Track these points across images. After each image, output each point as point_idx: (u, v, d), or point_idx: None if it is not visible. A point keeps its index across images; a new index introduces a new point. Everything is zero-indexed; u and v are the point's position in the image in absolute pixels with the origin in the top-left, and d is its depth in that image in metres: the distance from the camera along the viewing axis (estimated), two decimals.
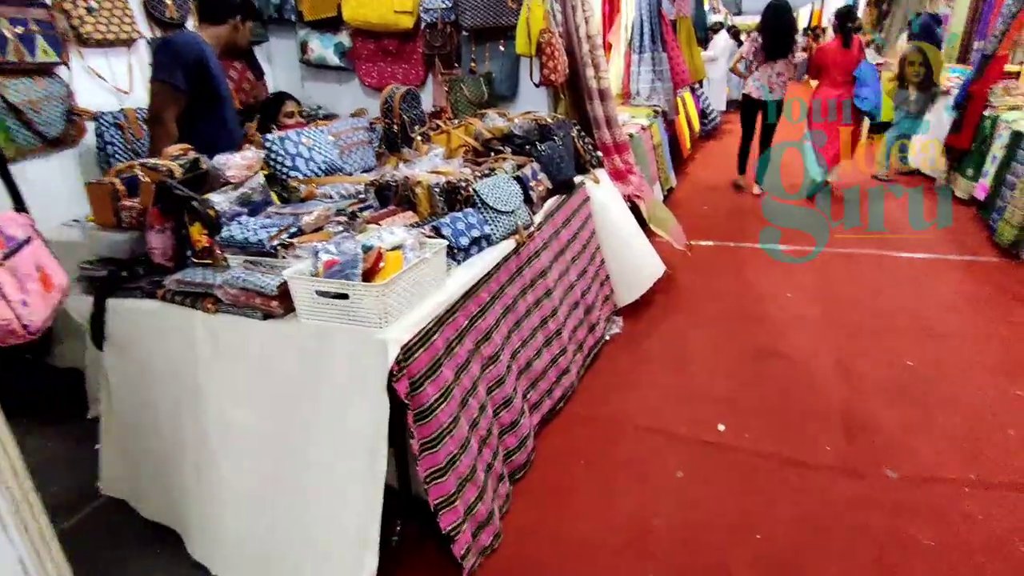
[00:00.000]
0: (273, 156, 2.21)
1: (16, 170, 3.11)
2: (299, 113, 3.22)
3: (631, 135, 4.97)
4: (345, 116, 3.25)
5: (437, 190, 2.40)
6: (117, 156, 3.37)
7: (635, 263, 3.70)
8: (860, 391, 2.85)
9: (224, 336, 1.80)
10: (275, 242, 1.77)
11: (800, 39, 7.39)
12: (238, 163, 2.05)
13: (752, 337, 3.41)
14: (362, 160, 2.67)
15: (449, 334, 1.93)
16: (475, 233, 2.21)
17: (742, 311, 3.74)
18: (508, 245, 2.41)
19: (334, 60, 4.36)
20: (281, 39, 4.60)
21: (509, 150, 2.97)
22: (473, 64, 4.03)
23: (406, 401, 1.67)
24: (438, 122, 3.26)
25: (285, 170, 2.23)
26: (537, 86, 3.73)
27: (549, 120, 3.30)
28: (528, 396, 2.53)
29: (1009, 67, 5.75)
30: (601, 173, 3.73)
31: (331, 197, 2.22)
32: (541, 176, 2.81)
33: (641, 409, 2.79)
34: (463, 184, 2.39)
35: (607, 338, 3.38)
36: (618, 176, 4.06)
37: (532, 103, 4.01)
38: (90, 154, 3.41)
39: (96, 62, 3.49)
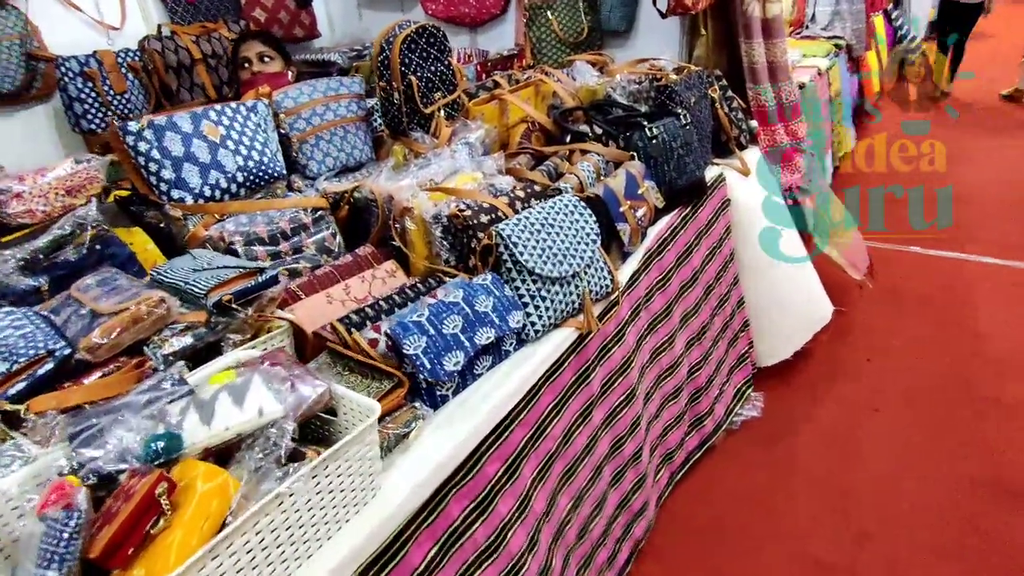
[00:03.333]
0: (142, 162, 1.22)
1: None
2: (261, 59, 2.10)
3: (801, 86, 3.45)
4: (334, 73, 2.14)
5: (437, 229, 1.30)
6: (89, 116, 2.57)
7: (793, 301, 2.39)
8: None
9: None
10: None
11: None
12: (43, 185, 1.08)
13: (988, 445, 2.04)
14: (346, 151, 1.61)
15: None
16: (485, 337, 1.10)
17: (964, 383, 2.33)
18: (561, 339, 1.28)
19: None
20: None
21: (599, 131, 1.76)
22: None
23: None
24: (497, 78, 2.09)
25: (164, 187, 1.24)
26: (664, 15, 2.41)
27: (673, 75, 2.01)
28: None
29: None
30: (753, 156, 2.40)
31: (230, 244, 1.19)
32: (647, 186, 1.59)
33: None
34: (480, 220, 1.27)
35: (733, 426, 2.18)
36: (782, 157, 2.67)
37: (656, 42, 2.68)
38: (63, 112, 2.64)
39: None
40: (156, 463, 0.72)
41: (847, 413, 2.25)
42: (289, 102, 1.51)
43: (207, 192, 1.27)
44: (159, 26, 2.77)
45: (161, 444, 0.72)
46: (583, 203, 1.37)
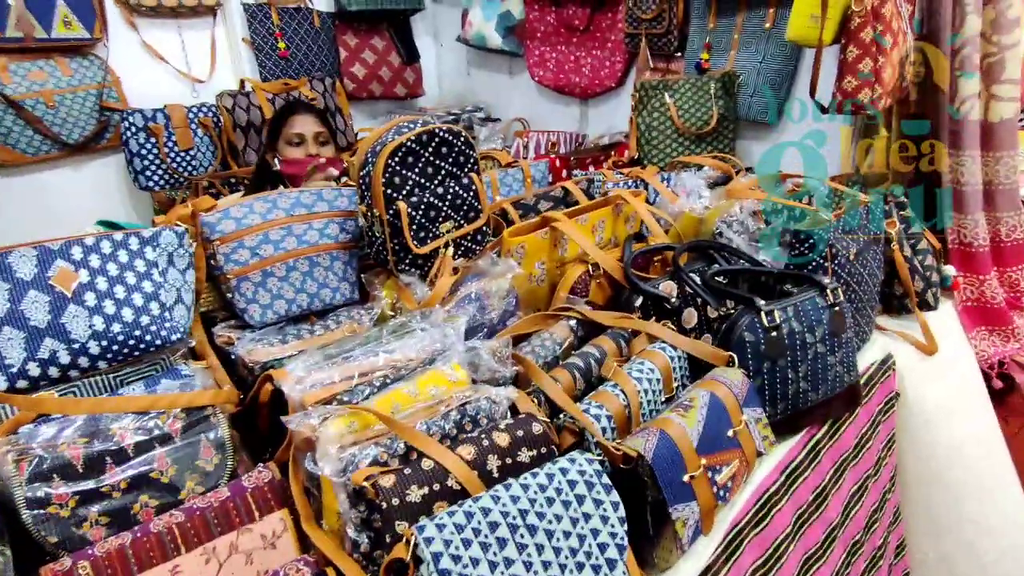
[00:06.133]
0: None
1: (24, 181, 2.34)
2: (318, 140, 1.78)
3: None
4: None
5: (341, 492, 0.77)
6: (148, 173, 2.40)
7: (997, 559, 1.54)
8: None
9: None
10: None
11: None
12: None
13: None
14: (310, 291, 1.14)
15: None
16: None
17: None
18: None
19: (496, 40, 2.84)
20: (452, 7, 3.23)
21: (689, 292, 1.14)
22: (706, 56, 2.14)
23: None
24: (569, 185, 1.54)
25: None
26: (825, 111, 1.72)
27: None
28: None
29: None
30: (944, 319, 1.64)
31: (6, 479, 0.75)
32: (746, 421, 0.94)
33: None
34: (407, 496, 0.71)
35: None
36: (992, 318, 1.83)
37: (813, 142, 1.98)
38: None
39: (157, 36, 2.53)
40: None
41: None
42: (228, 224, 1.08)
43: (32, 371, 0.85)
44: (241, 81, 2.58)
45: None
46: (604, 478, 0.76)
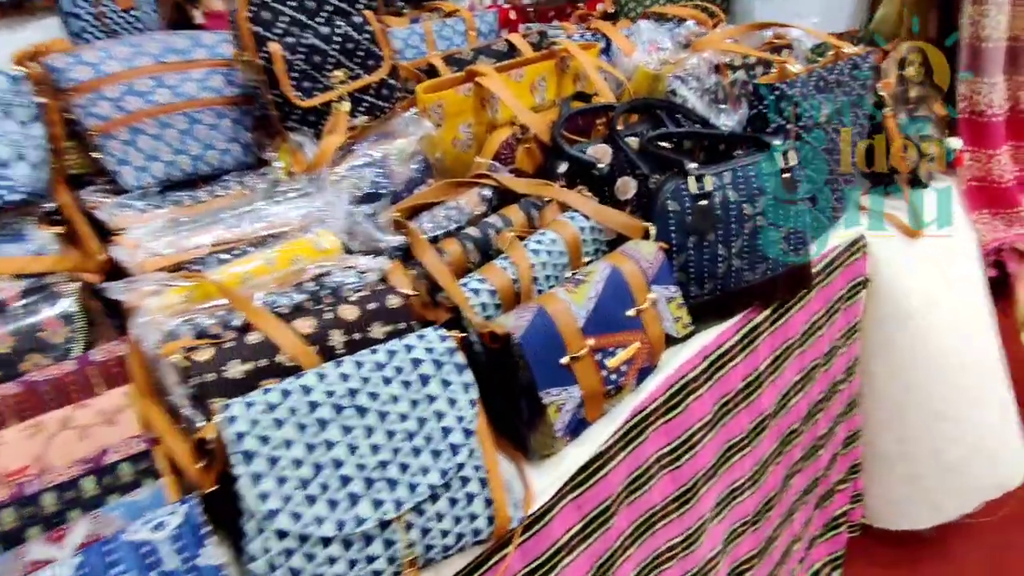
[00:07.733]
0: None
1: None
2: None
3: None
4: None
5: (169, 368, 0.69)
6: (85, 36, 2.20)
7: (965, 446, 1.46)
8: None
9: None
10: None
11: None
12: None
13: None
14: (191, 152, 1.01)
15: None
16: None
17: None
18: None
19: None
20: None
21: (624, 162, 0.99)
22: None
23: None
24: (513, 38, 1.34)
25: None
26: None
27: (795, 64, 1.13)
28: None
29: None
30: (938, 198, 1.47)
31: None
32: (653, 299, 0.83)
33: None
34: (224, 373, 0.63)
35: None
36: (997, 200, 1.63)
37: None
38: None
39: None
40: None
41: None
42: (82, 71, 0.94)
43: None
44: None
45: None
46: (457, 357, 0.67)
